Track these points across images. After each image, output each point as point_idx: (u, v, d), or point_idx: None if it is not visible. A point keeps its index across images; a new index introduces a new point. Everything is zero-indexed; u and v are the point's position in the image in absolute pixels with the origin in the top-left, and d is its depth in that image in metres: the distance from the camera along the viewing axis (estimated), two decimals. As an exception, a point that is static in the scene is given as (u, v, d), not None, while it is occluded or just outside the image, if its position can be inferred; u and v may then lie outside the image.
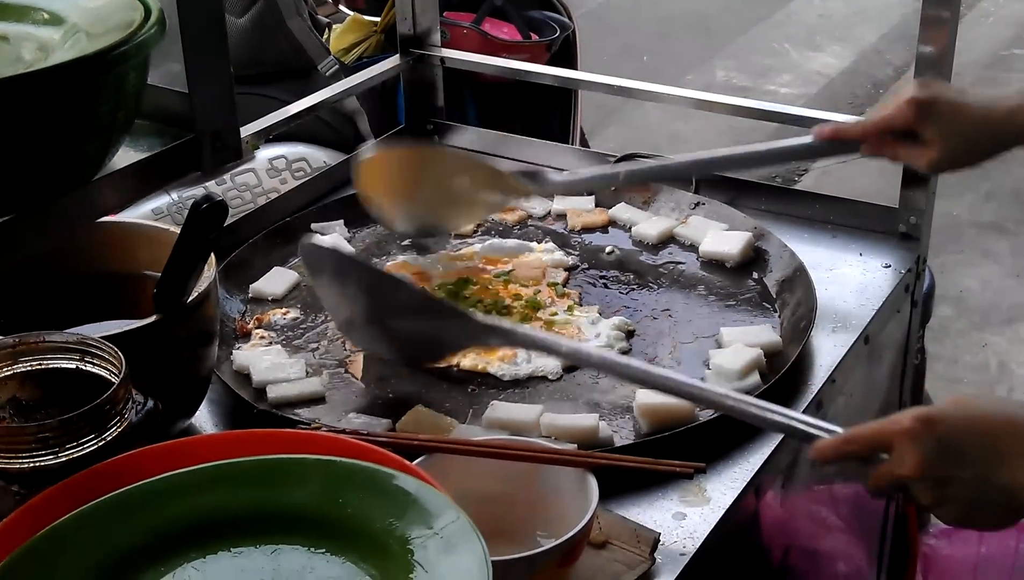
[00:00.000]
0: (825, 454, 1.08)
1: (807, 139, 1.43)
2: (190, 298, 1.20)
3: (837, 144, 1.41)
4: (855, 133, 1.39)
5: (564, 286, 1.58)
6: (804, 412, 1.34)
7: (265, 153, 2.46)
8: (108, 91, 0.90)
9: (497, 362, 1.42)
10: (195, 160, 0.95)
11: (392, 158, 1.60)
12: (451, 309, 1.29)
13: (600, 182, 1.67)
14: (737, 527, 1.25)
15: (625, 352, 1.46)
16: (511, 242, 1.67)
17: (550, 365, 1.42)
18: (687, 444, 1.26)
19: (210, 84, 0.94)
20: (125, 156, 0.96)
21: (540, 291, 1.55)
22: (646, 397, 1.31)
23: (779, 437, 1.31)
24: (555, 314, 1.51)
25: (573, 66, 3.22)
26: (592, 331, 1.48)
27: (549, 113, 3.15)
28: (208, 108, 0.95)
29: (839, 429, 1.09)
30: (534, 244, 1.67)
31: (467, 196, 1.55)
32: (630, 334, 1.49)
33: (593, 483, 1.11)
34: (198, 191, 2.27)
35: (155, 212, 2.25)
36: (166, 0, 0.95)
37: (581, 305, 1.55)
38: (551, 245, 1.66)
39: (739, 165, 1.59)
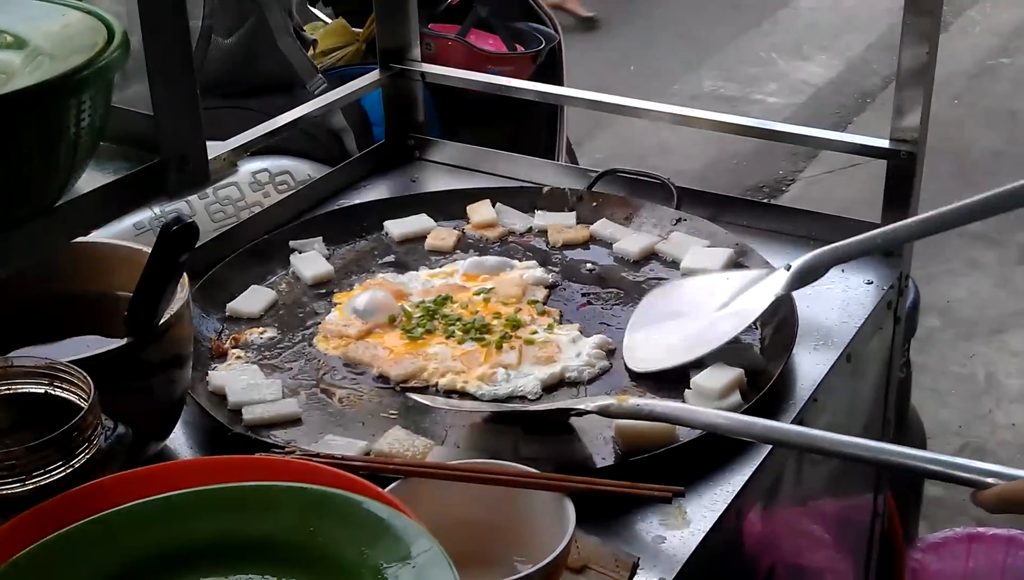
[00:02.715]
0: (986, 504, 1.09)
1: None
2: (162, 320, 1.19)
3: None
4: None
5: (544, 304, 1.57)
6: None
7: (248, 166, 2.45)
8: (72, 115, 0.88)
9: (476, 382, 1.41)
10: (162, 184, 0.94)
11: None
12: (564, 410, 1.34)
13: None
14: (718, 549, 1.23)
15: (605, 371, 1.44)
16: (492, 259, 1.65)
17: (529, 385, 1.41)
18: (668, 465, 1.25)
19: (176, 107, 0.93)
20: (91, 179, 0.94)
21: (520, 309, 1.54)
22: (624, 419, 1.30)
23: (761, 457, 1.30)
24: (535, 333, 1.50)
25: (559, 77, 3.21)
26: (572, 350, 1.47)
27: (535, 126, 3.14)
28: (174, 131, 0.93)
29: (997, 467, 1.10)
30: (515, 261, 1.66)
31: None
32: (611, 353, 1.47)
33: (570, 507, 1.09)
34: (181, 205, 2.27)
35: (136, 226, 2.23)
36: (130, 22, 0.94)
37: (561, 323, 1.53)
38: (532, 262, 1.65)
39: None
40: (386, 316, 1.53)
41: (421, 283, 1.62)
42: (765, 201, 1.76)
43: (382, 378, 1.43)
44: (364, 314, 1.53)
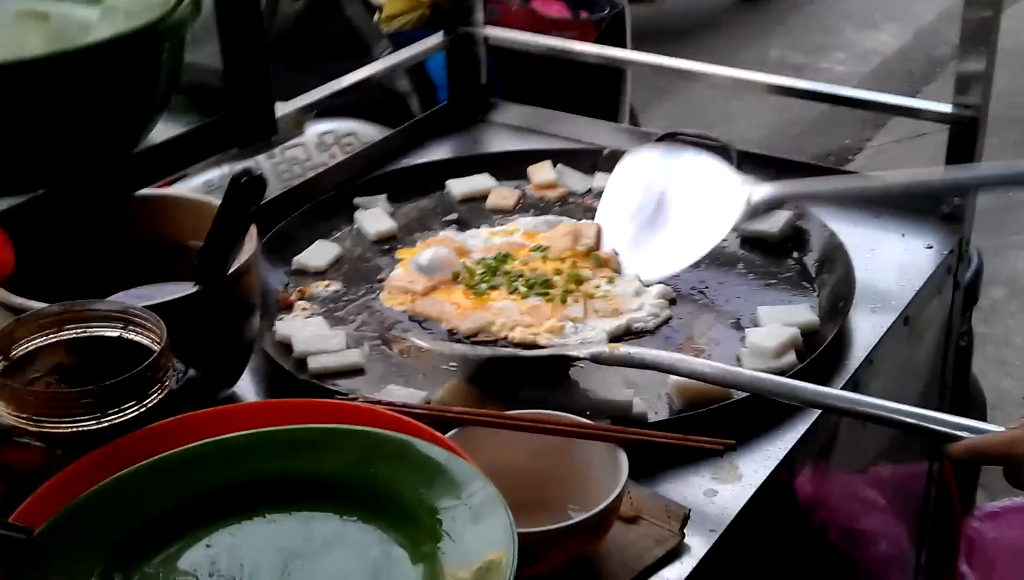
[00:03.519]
0: (957, 455, 1.13)
1: None
2: (231, 270, 1.23)
3: None
4: None
5: (598, 249, 1.58)
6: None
7: (315, 128, 2.49)
8: (145, 68, 0.92)
9: (547, 334, 1.44)
10: (231, 136, 0.97)
11: None
12: (564, 356, 1.39)
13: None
14: (769, 505, 1.25)
15: (667, 321, 1.47)
16: (550, 219, 1.68)
17: (596, 337, 1.43)
18: (722, 421, 1.27)
19: (245, 61, 0.96)
20: (164, 131, 0.98)
21: (577, 262, 1.56)
22: (680, 373, 1.32)
23: (814, 415, 1.31)
24: (597, 286, 1.52)
25: (623, 44, 3.22)
26: (636, 302, 1.49)
27: (598, 91, 3.15)
28: (243, 85, 0.97)
29: (975, 423, 1.13)
30: (571, 221, 1.67)
31: None
32: (672, 302, 1.50)
33: (623, 458, 1.12)
34: (249, 164, 2.31)
35: (206, 184, 2.28)
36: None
37: (621, 277, 1.55)
38: (588, 221, 1.67)
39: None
40: (450, 272, 1.56)
41: (482, 241, 1.64)
42: (827, 165, 1.76)
43: (450, 332, 1.46)
44: (428, 270, 1.56)
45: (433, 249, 1.59)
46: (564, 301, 1.49)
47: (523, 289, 1.51)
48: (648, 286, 1.53)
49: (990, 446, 1.10)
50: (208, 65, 1.03)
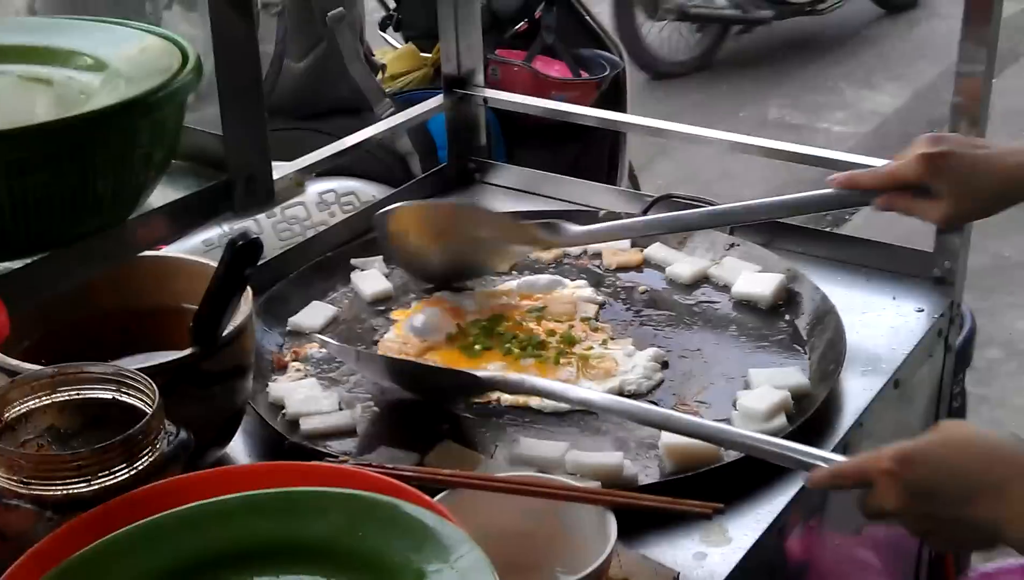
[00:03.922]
0: (818, 483, 1.17)
1: (826, 190, 1.45)
2: (225, 332, 1.24)
3: (853, 194, 1.44)
4: (868, 183, 1.42)
5: (596, 321, 1.60)
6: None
7: (315, 187, 2.51)
8: (145, 134, 0.93)
9: (538, 398, 1.44)
10: (229, 201, 0.99)
11: (415, 213, 1.73)
12: (459, 373, 1.44)
13: (620, 232, 1.72)
14: (759, 568, 1.25)
15: (660, 383, 1.48)
16: (543, 278, 1.70)
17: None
18: (712, 484, 1.27)
19: (244, 128, 0.98)
20: (162, 195, 0.99)
21: (573, 326, 1.57)
22: (671, 436, 1.33)
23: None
24: (590, 349, 1.53)
25: (623, 103, 3.24)
26: (628, 363, 1.50)
27: (598, 150, 3.17)
28: (241, 151, 0.98)
29: (838, 457, 1.17)
30: (566, 281, 1.69)
31: (488, 248, 1.70)
32: (664, 365, 1.51)
33: (612, 521, 1.12)
34: (249, 223, 2.33)
35: (205, 243, 2.30)
36: (202, 45, 0.99)
37: (614, 340, 1.56)
38: (582, 282, 1.69)
39: (762, 215, 1.65)
40: (443, 334, 1.57)
41: (477, 302, 1.66)
42: (820, 229, 1.77)
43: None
44: (422, 332, 1.57)
45: (427, 311, 1.61)
46: (557, 362, 1.50)
47: (516, 351, 1.52)
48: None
49: (847, 470, 1.13)
50: (206, 130, 1.04)
